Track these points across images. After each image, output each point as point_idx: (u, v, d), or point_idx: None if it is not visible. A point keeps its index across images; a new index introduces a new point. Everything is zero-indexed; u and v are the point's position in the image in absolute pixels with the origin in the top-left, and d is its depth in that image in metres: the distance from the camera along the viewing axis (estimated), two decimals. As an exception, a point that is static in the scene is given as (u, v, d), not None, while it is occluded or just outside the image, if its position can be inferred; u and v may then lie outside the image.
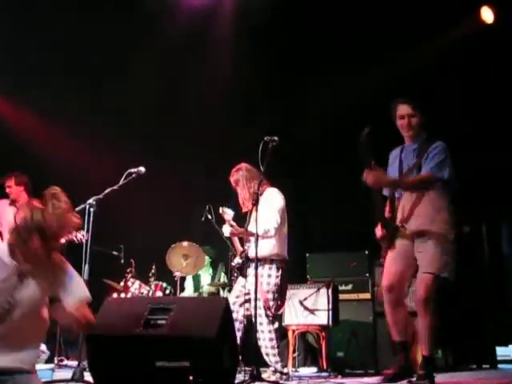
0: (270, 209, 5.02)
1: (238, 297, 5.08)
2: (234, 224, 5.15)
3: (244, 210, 5.25)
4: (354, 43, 6.98)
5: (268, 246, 5.03)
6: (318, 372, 6.12)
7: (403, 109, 4.36)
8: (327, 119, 7.26)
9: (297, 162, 7.17)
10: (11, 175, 6.64)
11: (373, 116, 4.72)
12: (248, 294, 4.89)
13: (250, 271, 4.95)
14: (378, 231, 4.46)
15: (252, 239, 4.92)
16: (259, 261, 4.85)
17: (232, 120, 7.40)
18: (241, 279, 5.10)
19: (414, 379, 4.08)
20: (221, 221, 5.37)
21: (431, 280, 4.06)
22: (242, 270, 5.06)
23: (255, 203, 4.35)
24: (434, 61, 6.67)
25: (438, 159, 4.22)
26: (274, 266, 5.06)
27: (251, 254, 4.94)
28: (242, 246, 5.20)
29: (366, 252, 6.57)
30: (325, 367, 5.96)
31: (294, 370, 6.09)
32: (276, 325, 5.03)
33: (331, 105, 7.11)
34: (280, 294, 5.11)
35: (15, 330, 2.63)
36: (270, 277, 5.03)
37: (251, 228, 5.00)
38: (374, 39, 6.82)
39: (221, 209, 5.23)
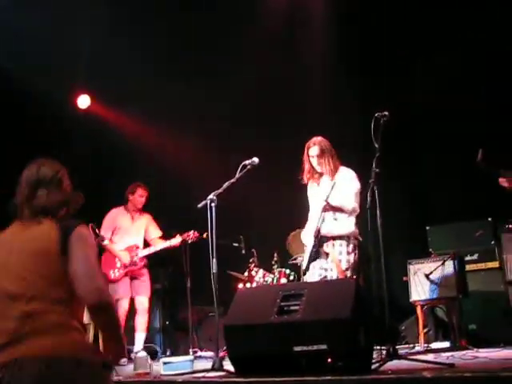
0: (350, 187, 5.02)
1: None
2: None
3: (307, 181, 5.24)
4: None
5: (348, 224, 5.04)
6: (451, 346, 5.98)
7: None
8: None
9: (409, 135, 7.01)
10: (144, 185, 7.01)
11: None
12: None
13: (328, 250, 5.00)
14: None
15: (328, 216, 4.98)
16: (336, 239, 4.97)
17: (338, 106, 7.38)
18: (317, 261, 5.05)
19: None
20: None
21: None
22: (317, 252, 5.01)
23: (374, 183, 4.29)
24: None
25: None
26: (351, 244, 5.04)
27: (327, 231, 4.99)
28: None
29: (490, 219, 6.34)
30: (458, 341, 5.82)
31: (426, 345, 5.99)
32: None
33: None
34: (358, 272, 5.12)
35: None
36: (348, 254, 5.00)
37: (319, 203, 5.02)
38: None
39: None
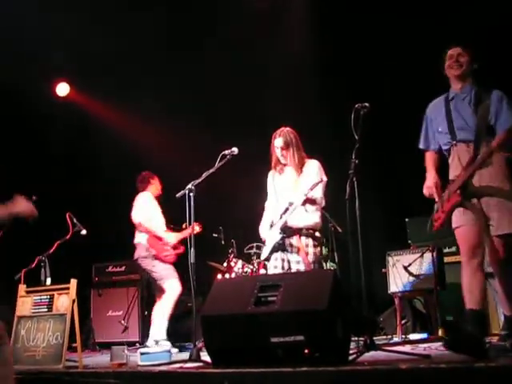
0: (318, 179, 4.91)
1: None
2: None
3: (276, 172, 5.17)
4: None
5: (315, 216, 5.00)
6: (428, 337, 6.03)
7: (453, 50, 4.17)
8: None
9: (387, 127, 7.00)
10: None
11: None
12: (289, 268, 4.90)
13: (294, 242, 4.93)
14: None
15: (298, 208, 4.87)
16: (302, 231, 4.91)
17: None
18: (280, 253, 4.97)
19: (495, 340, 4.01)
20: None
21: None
22: (282, 244, 4.94)
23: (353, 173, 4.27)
24: None
25: None
26: (316, 237, 5.01)
27: (295, 223, 4.91)
28: None
29: (468, 210, 6.38)
30: (435, 332, 5.86)
31: (403, 337, 6.03)
32: None
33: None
34: (321, 264, 5.12)
35: None
36: (315, 247, 4.97)
37: (290, 195, 4.94)
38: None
39: None
